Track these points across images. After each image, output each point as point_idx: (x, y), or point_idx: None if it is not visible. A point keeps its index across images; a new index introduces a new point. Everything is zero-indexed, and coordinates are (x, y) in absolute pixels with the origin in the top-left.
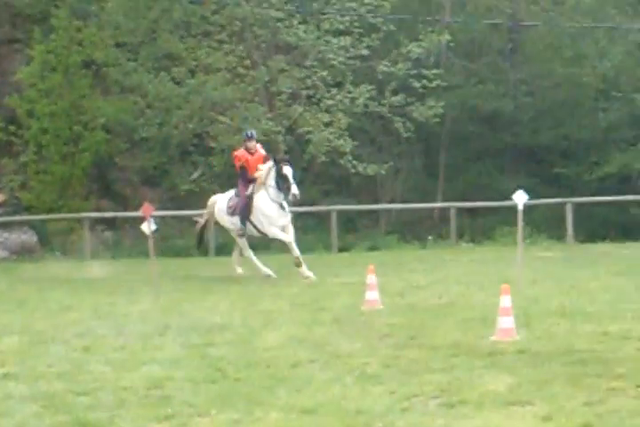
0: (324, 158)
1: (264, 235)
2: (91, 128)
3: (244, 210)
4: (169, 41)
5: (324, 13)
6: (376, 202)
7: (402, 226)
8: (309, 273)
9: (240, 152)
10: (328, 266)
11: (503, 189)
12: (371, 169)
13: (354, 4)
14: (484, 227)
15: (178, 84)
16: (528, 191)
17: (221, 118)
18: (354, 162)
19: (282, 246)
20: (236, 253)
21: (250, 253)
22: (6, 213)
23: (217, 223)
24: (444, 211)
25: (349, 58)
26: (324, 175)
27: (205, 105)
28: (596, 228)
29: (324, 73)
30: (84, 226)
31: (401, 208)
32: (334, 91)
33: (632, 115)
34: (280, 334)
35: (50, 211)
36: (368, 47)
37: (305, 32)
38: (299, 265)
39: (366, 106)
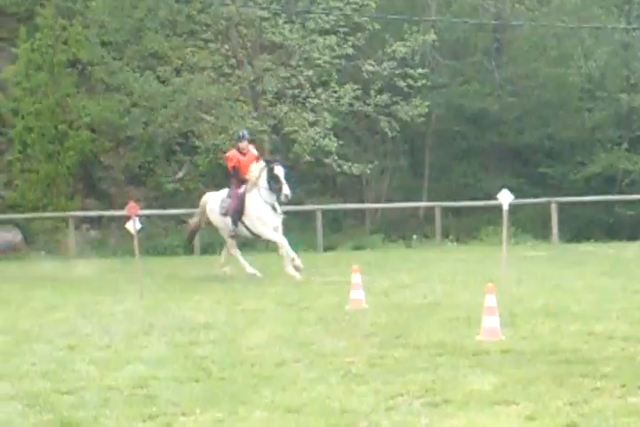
0: (309, 158)
1: (257, 236)
2: (76, 127)
3: (235, 211)
4: (154, 40)
5: (309, 12)
6: (361, 201)
7: (387, 225)
8: (296, 273)
9: (232, 153)
10: (313, 265)
11: (488, 189)
12: (356, 168)
13: (339, 4)
14: (469, 226)
15: (163, 82)
16: (513, 191)
17: (207, 117)
18: (339, 161)
19: (267, 245)
20: (224, 253)
21: (237, 253)
22: None
23: (209, 223)
24: (430, 210)
25: (335, 57)
26: (310, 175)
27: (191, 104)
28: (581, 227)
29: (310, 72)
30: (69, 225)
31: (386, 207)
32: (320, 90)
33: (617, 115)
34: (265, 333)
35: (35, 209)
36: (353, 46)
37: (290, 31)
38: (298, 268)
39: (351, 105)
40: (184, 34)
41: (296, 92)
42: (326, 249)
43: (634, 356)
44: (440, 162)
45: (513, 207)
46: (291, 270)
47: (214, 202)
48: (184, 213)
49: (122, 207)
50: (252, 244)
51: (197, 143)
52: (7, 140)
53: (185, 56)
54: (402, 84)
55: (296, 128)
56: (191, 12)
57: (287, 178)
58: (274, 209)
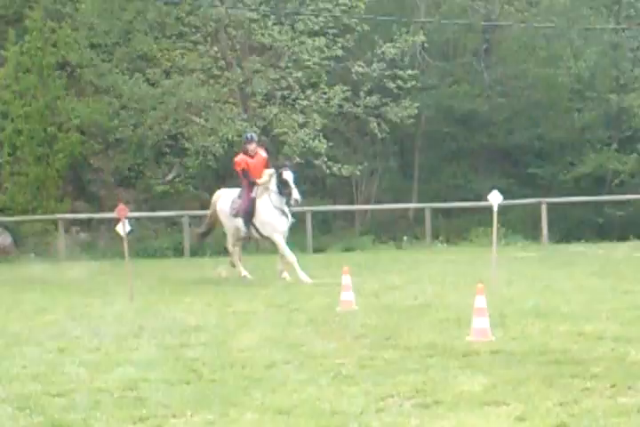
0: (298, 159)
1: (266, 238)
2: (65, 129)
3: (246, 212)
4: (143, 42)
5: (298, 14)
6: (351, 203)
7: (377, 227)
8: (307, 278)
9: (239, 158)
10: (303, 267)
11: (478, 190)
12: (346, 170)
13: (328, 5)
14: (459, 227)
15: (152, 85)
16: (503, 192)
17: (196, 119)
18: (329, 163)
19: (257, 248)
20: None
21: (233, 251)
22: None
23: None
24: (419, 211)
25: (324, 59)
26: (299, 176)
27: (180, 106)
28: (571, 228)
29: (299, 74)
30: (58, 227)
31: (376, 209)
32: (309, 92)
33: (607, 115)
34: (255, 334)
35: (24, 212)
36: (343, 48)
37: (279, 33)
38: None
39: (341, 107)
40: (173, 36)
41: (285, 93)
42: (316, 251)
43: (623, 356)
44: (430, 163)
45: (503, 208)
46: (302, 275)
47: (224, 202)
48: (174, 216)
49: (111, 210)
50: (243, 245)
51: (187, 145)
52: None
53: (174, 58)
54: (391, 85)
55: (286, 130)
56: (180, 14)
57: (296, 182)
58: (283, 214)
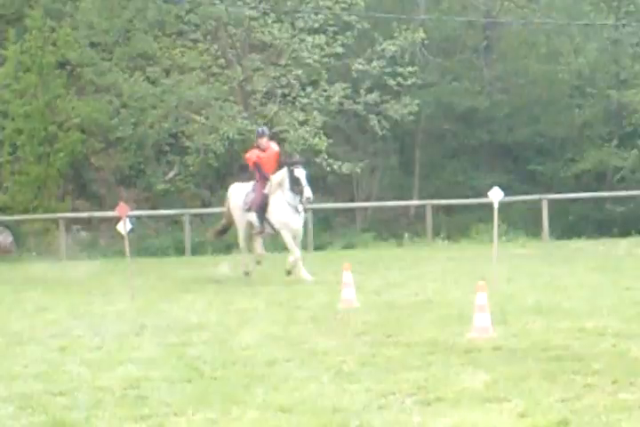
0: (299, 157)
1: (278, 233)
2: (66, 128)
3: (260, 207)
4: (143, 40)
5: (298, 12)
6: (352, 200)
7: (378, 224)
8: (309, 276)
9: (250, 153)
10: (304, 264)
11: (479, 187)
12: (346, 167)
13: (328, 3)
14: (460, 224)
15: (153, 83)
16: (504, 188)
17: (196, 118)
18: (329, 160)
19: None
20: (258, 244)
21: (244, 246)
22: None
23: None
24: (420, 208)
25: (324, 56)
26: None
27: (180, 104)
28: (572, 224)
29: (299, 71)
30: (59, 226)
31: (377, 206)
32: (309, 89)
33: (607, 111)
34: (256, 332)
35: (25, 211)
36: (343, 45)
37: (279, 30)
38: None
39: (341, 104)
40: (173, 34)
41: (286, 91)
42: (317, 248)
43: (625, 352)
44: (430, 160)
45: (504, 205)
46: (304, 274)
47: (237, 197)
48: (175, 214)
49: (112, 208)
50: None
51: (187, 144)
52: None
53: (174, 56)
54: (391, 82)
55: (286, 127)
56: (180, 13)
57: (308, 180)
58: (296, 211)
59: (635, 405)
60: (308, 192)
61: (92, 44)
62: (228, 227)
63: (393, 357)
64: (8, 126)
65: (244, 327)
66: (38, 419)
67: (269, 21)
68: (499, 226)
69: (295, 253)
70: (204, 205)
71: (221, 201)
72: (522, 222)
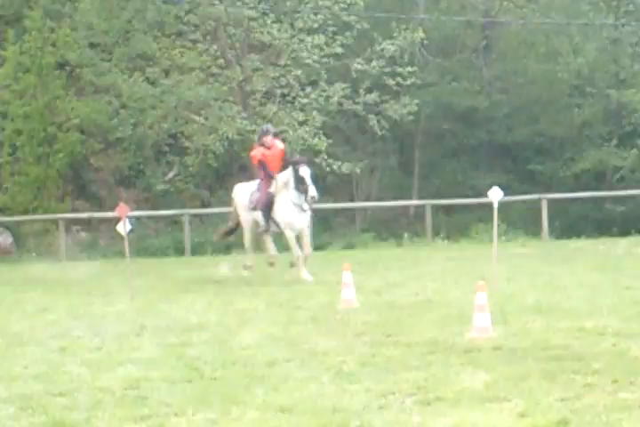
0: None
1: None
2: (65, 129)
3: (266, 206)
4: (143, 41)
5: (297, 12)
6: (351, 200)
7: (377, 224)
8: (309, 276)
9: (254, 151)
10: (304, 265)
11: (478, 186)
12: (346, 167)
13: (327, 3)
14: (459, 224)
15: (152, 84)
16: (503, 188)
17: (196, 118)
18: (329, 160)
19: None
20: (270, 245)
21: (249, 246)
22: None
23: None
24: (420, 208)
25: (323, 56)
26: None
27: (180, 105)
28: (572, 224)
29: (299, 72)
30: (59, 227)
31: (376, 206)
32: (308, 89)
33: (606, 111)
34: (256, 332)
35: (25, 212)
36: (342, 45)
37: (279, 31)
38: (293, 265)
39: (341, 104)
40: (172, 35)
41: (285, 91)
42: (316, 248)
43: (625, 352)
44: (430, 160)
45: (503, 205)
46: (304, 274)
47: (242, 196)
48: (174, 214)
49: (112, 209)
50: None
51: (187, 144)
52: None
53: (173, 57)
54: (391, 82)
55: (285, 127)
56: (179, 13)
57: (313, 179)
58: (302, 210)
59: (635, 404)
60: (312, 191)
61: (92, 45)
62: (235, 228)
63: (393, 357)
64: (7, 127)
65: (243, 328)
66: (38, 420)
67: (269, 22)
68: (498, 226)
69: (295, 253)
70: (204, 206)
71: (221, 201)
72: (521, 222)
